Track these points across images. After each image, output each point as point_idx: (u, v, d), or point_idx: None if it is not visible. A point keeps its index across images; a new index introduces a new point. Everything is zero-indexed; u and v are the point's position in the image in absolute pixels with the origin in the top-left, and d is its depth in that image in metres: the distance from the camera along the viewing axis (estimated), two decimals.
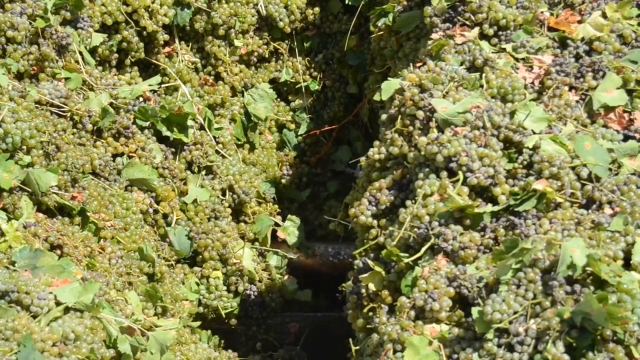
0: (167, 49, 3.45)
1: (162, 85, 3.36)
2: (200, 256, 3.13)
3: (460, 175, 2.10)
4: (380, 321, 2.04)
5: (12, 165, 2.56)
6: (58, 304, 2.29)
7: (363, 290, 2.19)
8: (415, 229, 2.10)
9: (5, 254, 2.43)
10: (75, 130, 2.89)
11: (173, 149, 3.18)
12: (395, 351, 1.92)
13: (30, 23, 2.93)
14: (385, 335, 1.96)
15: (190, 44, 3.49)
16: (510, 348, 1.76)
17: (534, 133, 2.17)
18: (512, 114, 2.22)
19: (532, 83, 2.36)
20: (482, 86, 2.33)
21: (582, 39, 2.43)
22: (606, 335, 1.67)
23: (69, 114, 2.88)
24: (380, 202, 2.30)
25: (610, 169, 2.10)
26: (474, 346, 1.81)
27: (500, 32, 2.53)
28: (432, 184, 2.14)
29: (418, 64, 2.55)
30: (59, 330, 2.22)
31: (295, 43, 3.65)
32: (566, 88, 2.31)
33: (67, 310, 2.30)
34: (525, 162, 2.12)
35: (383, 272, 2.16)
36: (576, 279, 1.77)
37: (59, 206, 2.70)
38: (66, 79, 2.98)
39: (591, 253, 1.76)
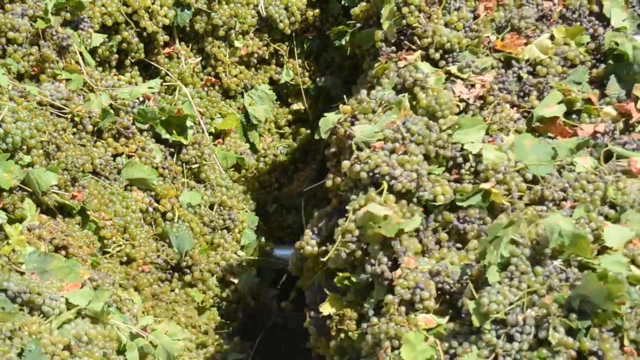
0: (167, 50, 3.45)
1: (164, 84, 3.37)
2: (199, 279, 3.13)
3: (384, 184, 2.16)
4: (371, 322, 2.05)
5: (12, 165, 2.57)
6: (69, 307, 2.31)
7: (326, 318, 2.24)
8: (349, 244, 2.16)
9: (8, 258, 2.45)
10: (75, 130, 2.90)
11: (172, 149, 3.18)
12: (393, 348, 1.93)
13: (31, 24, 2.94)
14: (382, 334, 1.97)
15: (190, 45, 3.50)
16: (509, 338, 1.78)
17: (463, 144, 2.25)
18: (443, 127, 2.29)
19: (475, 99, 2.42)
20: (414, 106, 2.41)
21: (527, 60, 2.49)
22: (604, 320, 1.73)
23: (69, 115, 2.88)
24: (322, 230, 2.36)
25: (561, 169, 2.16)
26: (470, 340, 1.83)
27: (446, 55, 2.60)
28: (361, 199, 2.20)
29: (354, 94, 2.64)
30: (70, 333, 2.24)
31: (295, 44, 3.66)
32: (507, 105, 2.38)
33: (79, 313, 2.33)
34: (472, 170, 2.19)
35: (339, 295, 2.21)
36: (567, 260, 1.83)
37: (59, 205, 2.70)
38: (67, 80, 2.99)
39: (577, 232, 1.83)
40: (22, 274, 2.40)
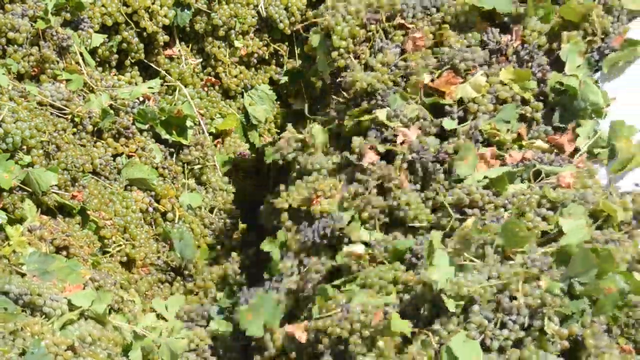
0: (168, 51, 3.45)
1: (164, 85, 3.36)
2: (201, 288, 3.13)
3: None
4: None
5: (12, 165, 2.57)
6: (72, 308, 2.32)
7: None
8: None
9: (8, 259, 2.45)
10: (75, 130, 2.90)
11: (172, 149, 3.18)
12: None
13: (31, 25, 2.94)
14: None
15: (191, 45, 3.50)
16: (502, 325, 1.84)
17: None
18: None
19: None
20: None
21: (460, 100, 2.47)
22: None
23: (69, 116, 2.88)
24: None
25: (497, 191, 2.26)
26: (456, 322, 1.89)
27: (371, 97, 2.60)
28: None
29: None
30: (74, 334, 2.24)
31: (296, 45, 3.65)
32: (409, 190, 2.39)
33: (82, 314, 2.33)
34: None
35: None
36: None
37: (59, 205, 2.70)
38: (67, 80, 2.99)
39: (508, 221, 2.00)
40: (23, 275, 2.41)
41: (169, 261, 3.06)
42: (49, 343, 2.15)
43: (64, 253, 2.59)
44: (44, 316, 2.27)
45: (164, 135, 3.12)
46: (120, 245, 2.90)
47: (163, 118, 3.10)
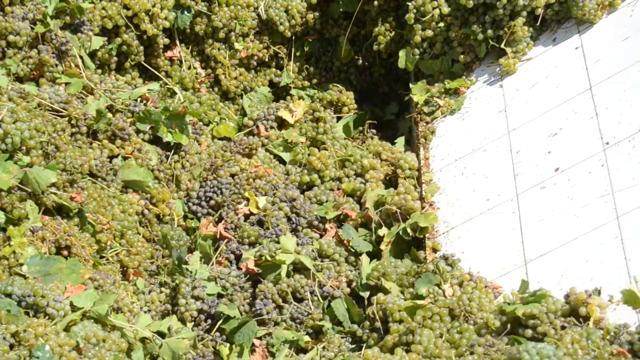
0: (168, 53, 3.46)
1: (164, 87, 3.36)
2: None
3: None
4: None
5: (11, 166, 2.56)
6: (73, 309, 2.32)
7: None
8: None
9: (8, 260, 2.45)
10: (72, 132, 2.89)
11: (168, 153, 3.14)
12: None
13: (32, 28, 2.95)
14: None
15: (191, 47, 3.51)
16: None
17: None
18: None
19: None
20: None
21: None
22: None
23: (66, 118, 2.88)
24: None
25: None
26: None
27: None
28: None
29: None
30: (79, 335, 2.24)
31: (295, 47, 3.66)
32: None
33: (84, 315, 2.34)
34: None
35: None
36: None
37: (57, 206, 2.69)
38: (66, 83, 2.99)
39: None
40: (24, 277, 2.41)
41: (162, 265, 3.00)
42: (54, 344, 2.15)
43: (66, 253, 2.59)
44: (47, 317, 2.27)
45: (165, 135, 3.08)
46: (116, 250, 2.85)
47: (164, 117, 3.07)
